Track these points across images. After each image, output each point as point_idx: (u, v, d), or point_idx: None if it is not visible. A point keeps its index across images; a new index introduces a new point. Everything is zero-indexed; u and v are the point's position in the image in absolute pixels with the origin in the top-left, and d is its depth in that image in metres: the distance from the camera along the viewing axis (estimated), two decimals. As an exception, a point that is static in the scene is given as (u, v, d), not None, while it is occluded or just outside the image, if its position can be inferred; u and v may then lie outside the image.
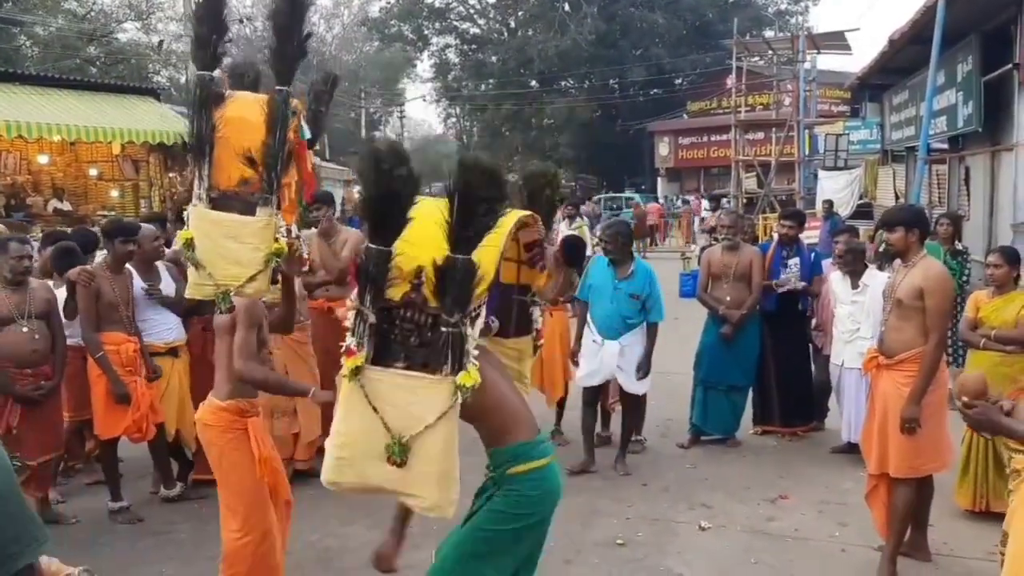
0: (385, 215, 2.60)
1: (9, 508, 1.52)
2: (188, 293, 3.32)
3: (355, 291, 2.64)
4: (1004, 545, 2.72)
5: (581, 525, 4.68)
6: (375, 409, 2.55)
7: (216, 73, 3.63)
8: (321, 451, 5.33)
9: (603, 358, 5.39)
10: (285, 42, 3.28)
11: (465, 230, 2.54)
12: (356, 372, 2.56)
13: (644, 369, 5.42)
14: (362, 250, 2.71)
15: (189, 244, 3.20)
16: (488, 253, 2.63)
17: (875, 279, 5.35)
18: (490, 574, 2.77)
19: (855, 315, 5.38)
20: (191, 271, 3.25)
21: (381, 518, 4.81)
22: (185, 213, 3.35)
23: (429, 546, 4.43)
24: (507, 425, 2.81)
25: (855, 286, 5.44)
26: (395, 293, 2.61)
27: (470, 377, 2.57)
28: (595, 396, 5.55)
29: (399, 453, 2.55)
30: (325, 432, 5.55)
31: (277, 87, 3.33)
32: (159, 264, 5.13)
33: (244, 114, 3.32)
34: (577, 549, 4.38)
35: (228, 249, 3.23)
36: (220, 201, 3.29)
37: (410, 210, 2.60)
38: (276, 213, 3.32)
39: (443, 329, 2.56)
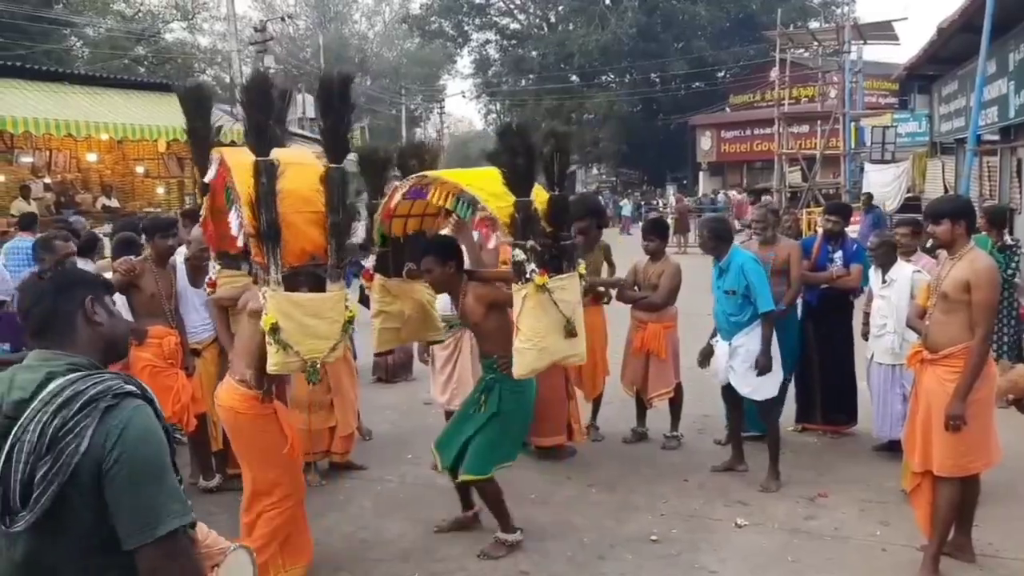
0: (523, 176, 3.80)
1: (155, 478, 1.66)
2: (273, 369, 3.48)
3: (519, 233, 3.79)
4: None
5: (615, 520, 4.65)
6: (557, 305, 3.79)
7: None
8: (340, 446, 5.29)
9: (718, 358, 5.28)
10: (336, 121, 3.65)
11: (559, 177, 3.95)
12: (544, 286, 3.73)
13: (761, 365, 5.03)
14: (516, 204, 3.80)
15: (275, 328, 3.39)
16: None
17: (901, 273, 5.21)
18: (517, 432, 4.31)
19: (883, 309, 5.24)
20: (275, 351, 3.42)
21: (414, 510, 4.85)
22: (261, 294, 3.53)
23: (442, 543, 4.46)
24: None
25: (884, 280, 5.31)
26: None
27: (583, 267, 4.05)
28: (733, 396, 5.31)
29: (573, 328, 3.85)
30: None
31: (332, 164, 3.66)
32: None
33: (297, 186, 3.61)
34: (610, 544, 4.34)
35: (311, 326, 3.51)
36: (290, 278, 3.53)
37: (535, 170, 3.85)
38: (343, 284, 3.72)
39: (564, 243, 3.90)
